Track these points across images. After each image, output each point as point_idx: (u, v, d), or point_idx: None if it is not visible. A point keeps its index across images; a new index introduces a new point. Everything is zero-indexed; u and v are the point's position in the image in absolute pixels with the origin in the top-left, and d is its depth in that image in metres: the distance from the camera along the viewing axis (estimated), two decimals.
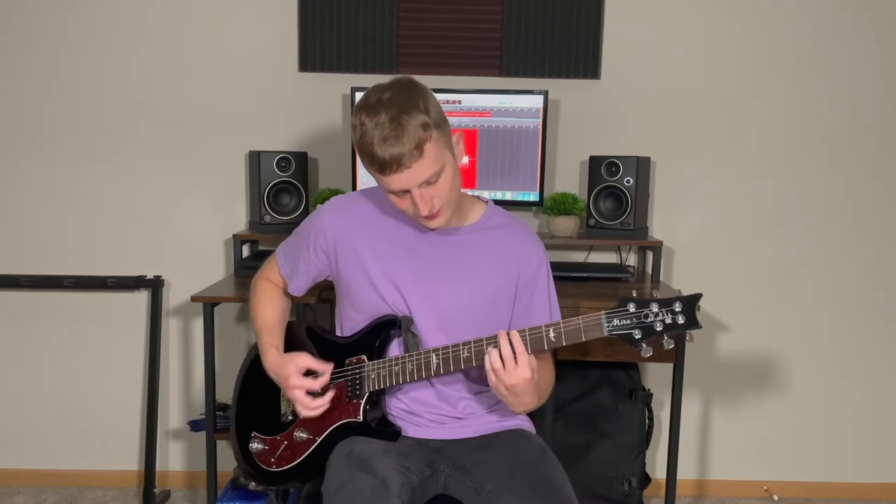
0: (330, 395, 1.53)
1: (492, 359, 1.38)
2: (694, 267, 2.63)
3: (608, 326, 1.37)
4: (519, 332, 1.40)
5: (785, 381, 2.69)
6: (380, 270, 1.53)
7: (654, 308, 1.35)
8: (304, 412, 1.52)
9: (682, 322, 1.35)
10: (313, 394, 1.52)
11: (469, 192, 1.64)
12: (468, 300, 1.52)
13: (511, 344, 1.37)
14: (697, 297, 1.36)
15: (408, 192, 1.40)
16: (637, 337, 1.36)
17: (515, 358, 1.37)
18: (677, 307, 1.35)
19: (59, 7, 2.50)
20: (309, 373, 1.53)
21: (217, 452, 2.26)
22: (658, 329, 1.35)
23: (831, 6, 2.52)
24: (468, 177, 2.41)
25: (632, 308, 1.36)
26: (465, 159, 2.39)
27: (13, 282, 2.57)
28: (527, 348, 1.39)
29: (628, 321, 1.36)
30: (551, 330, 1.40)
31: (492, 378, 1.39)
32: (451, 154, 1.43)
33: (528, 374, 1.37)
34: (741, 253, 2.63)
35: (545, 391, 1.55)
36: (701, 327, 1.36)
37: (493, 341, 1.41)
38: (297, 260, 1.63)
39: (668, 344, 1.38)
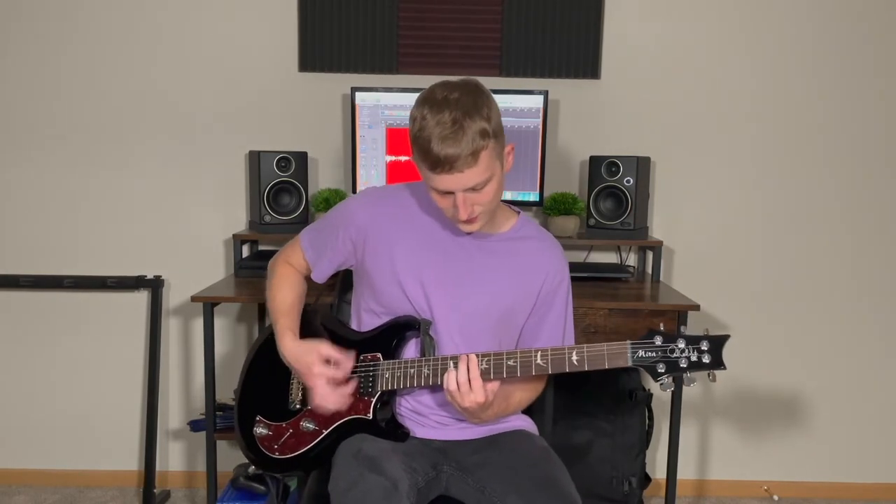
0: (352, 386, 1.51)
1: (448, 381, 1.40)
2: (694, 267, 2.63)
3: (633, 357, 1.38)
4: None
5: (785, 381, 2.69)
6: (407, 267, 1.52)
7: (681, 344, 1.37)
8: (323, 404, 1.49)
9: (708, 361, 1.36)
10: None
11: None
12: (490, 307, 1.53)
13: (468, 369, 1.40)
14: (725, 338, 1.37)
15: (451, 193, 1.40)
16: (661, 371, 1.37)
17: (470, 383, 1.39)
18: (704, 346, 1.36)
19: (59, 7, 2.50)
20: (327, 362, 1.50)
21: (217, 452, 2.26)
22: (682, 365, 1.37)
23: (831, 7, 2.52)
24: None
25: (658, 341, 1.37)
26: None
27: (13, 282, 2.57)
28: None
29: (653, 353, 1.37)
30: (574, 353, 1.41)
31: (447, 397, 1.42)
32: (501, 165, 1.43)
33: (482, 398, 1.39)
34: (741, 252, 2.63)
35: (514, 407, 1.58)
36: (725, 368, 1.37)
37: (513, 356, 1.42)
38: (324, 247, 1.61)
39: (689, 381, 1.38)
